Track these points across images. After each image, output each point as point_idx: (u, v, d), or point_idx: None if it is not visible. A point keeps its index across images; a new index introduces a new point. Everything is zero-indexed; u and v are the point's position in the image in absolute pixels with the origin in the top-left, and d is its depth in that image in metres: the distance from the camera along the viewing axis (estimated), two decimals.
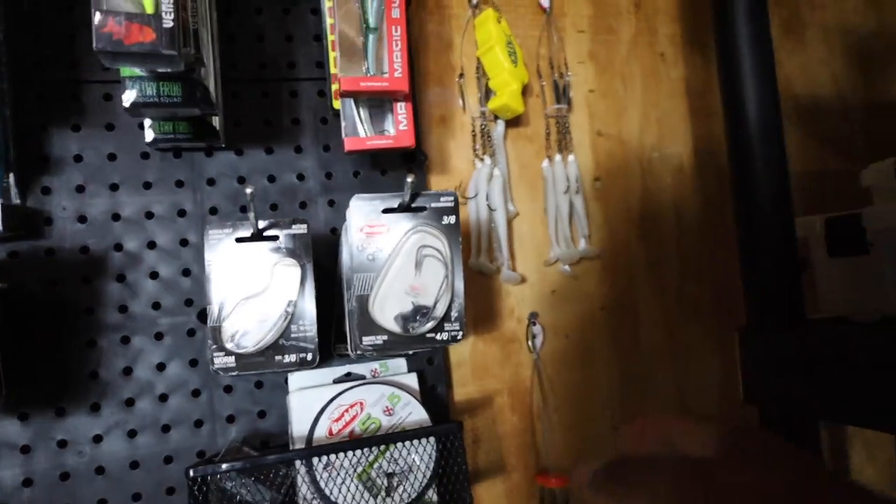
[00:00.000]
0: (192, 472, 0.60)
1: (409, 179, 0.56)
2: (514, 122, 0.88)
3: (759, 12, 0.76)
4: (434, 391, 0.80)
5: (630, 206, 0.94)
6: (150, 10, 0.48)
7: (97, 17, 0.46)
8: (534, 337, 0.86)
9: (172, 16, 0.46)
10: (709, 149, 0.99)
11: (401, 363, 0.78)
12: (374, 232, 0.60)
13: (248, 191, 0.53)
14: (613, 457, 0.35)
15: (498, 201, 0.84)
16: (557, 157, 0.88)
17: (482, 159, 0.85)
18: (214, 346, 0.60)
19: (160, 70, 0.53)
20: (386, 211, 0.60)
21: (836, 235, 0.75)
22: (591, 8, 0.96)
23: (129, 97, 0.59)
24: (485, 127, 0.86)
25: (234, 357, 0.60)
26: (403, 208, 0.60)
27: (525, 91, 0.86)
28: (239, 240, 0.61)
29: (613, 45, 0.96)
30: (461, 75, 0.87)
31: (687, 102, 0.99)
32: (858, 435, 1.04)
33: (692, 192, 0.98)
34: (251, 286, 0.61)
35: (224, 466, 0.61)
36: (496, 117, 0.87)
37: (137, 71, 0.58)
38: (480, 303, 0.86)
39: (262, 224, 0.61)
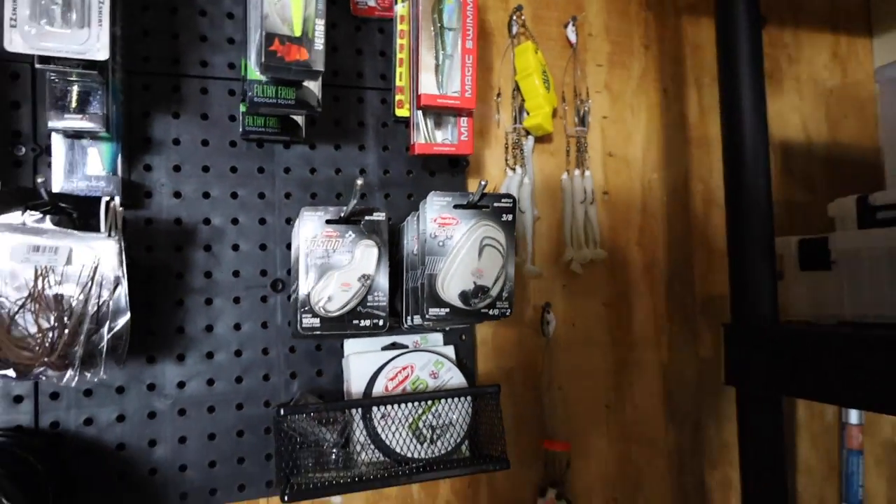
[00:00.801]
0: (282, 411, 0.72)
1: (483, 183, 0.69)
2: (540, 138, 1.03)
3: (757, 63, 0.92)
4: (464, 364, 0.93)
5: (631, 217, 1.10)
6: (297, 33, 0.61)
7: (264, 38, 0.58)
8: (547, 324, 1.00)
9: (322, 40, 0.59)
10: (698, 174, 1.16)
11: (437, 337, 0.91)
12: (446, 223, 0.73)
13: (360, 182, 0.65)
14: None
15: (526, 205, 0.98)
16: (576, 172, 1.03)
17: (513, 169, 0.99)
18: (304, 309, 0.72)
19: (300, 80, 0.65)
20: (457, 206, 0.73)
21: (807, 254, 0.92)
22: (609, 46, 1.11)
23: (250, 97, 0.70)
24: (517, 141, 1.00)
25: (319, 319, 0.72)
26: (471, 205, 0.73)
27: (552, 113, 1.01)
28: (329, 221, 0.73)
29: (625, 79, 1.12)
30: (499, 95, 1.01)
31: (683, 133, 1.16)
32: (805, 427, 1.22)
33: (682, 209, 1.14)
34: (337, 261, 0.73)
35: (310, 406, 0.73)
36: (528, 133, 1.01)
37: (258, 75, 0.70)
38: None
39: (350, 209, 0.73)
